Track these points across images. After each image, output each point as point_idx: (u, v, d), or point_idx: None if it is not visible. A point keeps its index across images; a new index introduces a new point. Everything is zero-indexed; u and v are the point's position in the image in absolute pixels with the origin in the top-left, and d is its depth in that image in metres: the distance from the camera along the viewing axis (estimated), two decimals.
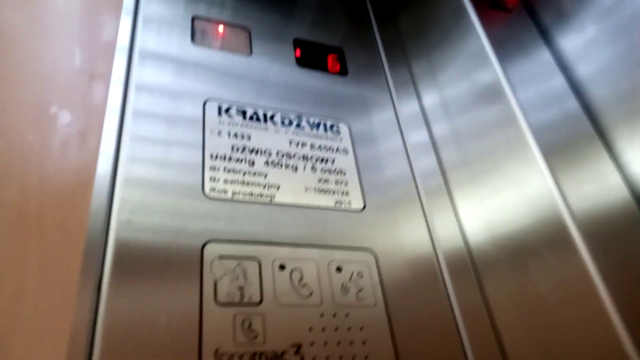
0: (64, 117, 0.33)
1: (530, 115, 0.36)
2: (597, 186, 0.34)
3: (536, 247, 0.33)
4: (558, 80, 0.40)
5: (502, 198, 0.36)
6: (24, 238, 0.25)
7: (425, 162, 0.42)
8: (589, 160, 0.36)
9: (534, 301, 0.32)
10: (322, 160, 0.37)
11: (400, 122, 0.44)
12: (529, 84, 0.39)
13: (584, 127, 0.38)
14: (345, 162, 0.38)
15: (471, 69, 0.41)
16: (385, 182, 0.39)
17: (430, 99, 0.46)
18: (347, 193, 0.36)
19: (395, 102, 0.46)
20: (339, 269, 0.31)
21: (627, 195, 0.34)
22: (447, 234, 0.38)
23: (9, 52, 0.34)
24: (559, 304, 0.30)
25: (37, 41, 0.36)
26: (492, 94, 0.38)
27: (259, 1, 0.47)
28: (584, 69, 0.40)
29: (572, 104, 0.39)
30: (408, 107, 0.46)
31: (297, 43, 0.45)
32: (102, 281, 0.26)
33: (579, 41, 0.40)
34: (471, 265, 0.37)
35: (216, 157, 0.34)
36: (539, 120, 0.36)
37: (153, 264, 0.27)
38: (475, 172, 0.39)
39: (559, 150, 0.35)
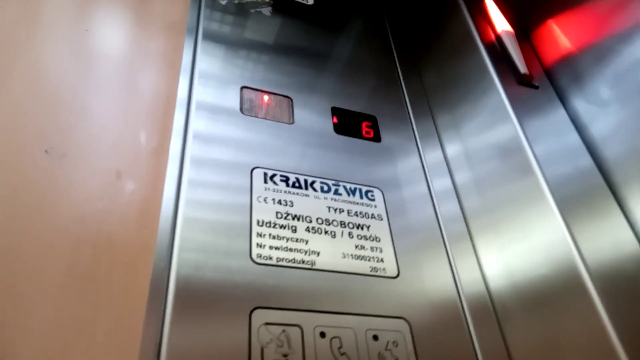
0: (126, 180, 0.36)
1: (546, 169, 0.38)
2: (610, 240, 0.36)
3: (553, 296, 0.34)
4: (573, 138, 0.43)
5: (521, 246, 0.38)
6: (94, 303, 0.28)
7: (448, 208, 0.44)
8: (602, 215, 0.38)
9: (552, 350, 0.33)
10: (359, 226, 0.40)
11: (426, 170, 0.47)
12: (545, 140, 0.42)
13: (598, 182, 0.40)
14: (380, 228, 0.40)
15: (492, 123, 0.44)
16: (411, 227, 0.41)
17: (453, 149, 0.49)
18: (382, 260, 0.38)
19: (421, 151, 0.48)
20: (375, 338, 0.33)
21: (638, 250, 0.36)
22: (469, 279, 0.40)
23: (76, 121, 0.38)
24: (576, 354, 0.32)
25: (97, 104, 0.40)
26: (510, 148, 0.41)
27: (298, 70, 0.51)
28: (597, 129, 0.42)
29: (586, 160, 0.41)
30: (433, 156, 0.49)
31: (334, 111, 0.48)
32: (162, 346, 0.28)
33: (594, 103, 0.43)
34: (493, 310, 0.38)
35: (262, 223, 0.36)
36: (555, 174, 0.38)
37: (206, 328, 0.30)
38: (496, 220, 0.41)
39: (573, 203, 0.37)
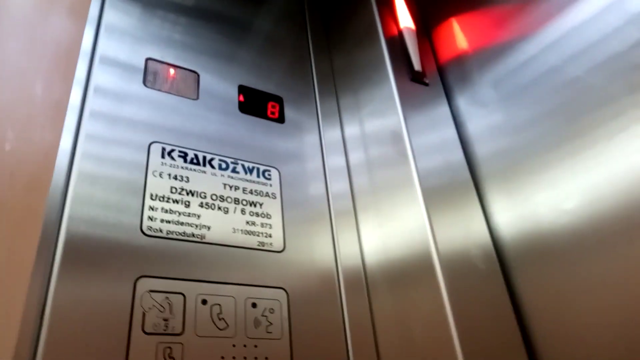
0: (18, 139, 0.36)
1: (420, 159, 0.43)
2: (464, 230, 0.41)
3: (408, 275, 0.40)
4: (450, 133, 0.48)
5: (394, 226, 0.43)
6: None
7: (339, 186, 0.49)
8: (462, 206, 0.43)
9: (403, 319, 0.39)
10: (252, 204, 0.43)
11: (324, 149, 0.51)
12: (425, 132, 0.46)
13: (464, 176, 0.45)
14: (272, 205, 0.44)
15: (383, 111, 0.49)
16: (302, 202, 0.45)
17: (351, 130, 0.53)
18: (270, 235, 0.42)
19: (322, 130, 0.52)
20: (254, 305, 0.37)
21: (488, 240, 0.42)
22: (349, 252, 0.45)
23: None
24: (419, 323, 0.37)
25: None
26: (395, 136, 0.46)
27: (211, 42, 0.51)
28: (473, 127, 0.48)
29: (458, 154, 0.47)
30: (332, 135, 0.53)
31: (241, 89, 0.50)
32: (47, 302, 0.30)
33: (476, 102, 0.49)
34: (365, 282, 0.44)
35: (155, 197, 0.38)
36: (427, 165, 0.43)
37: (91, 288, 0.32)
38: (378, 200, 0.46)
39: (438, 193, 0.42)
